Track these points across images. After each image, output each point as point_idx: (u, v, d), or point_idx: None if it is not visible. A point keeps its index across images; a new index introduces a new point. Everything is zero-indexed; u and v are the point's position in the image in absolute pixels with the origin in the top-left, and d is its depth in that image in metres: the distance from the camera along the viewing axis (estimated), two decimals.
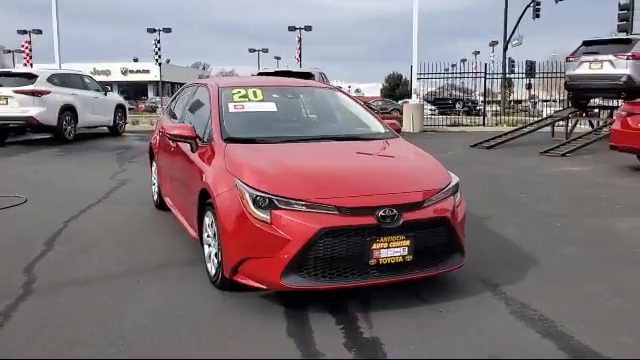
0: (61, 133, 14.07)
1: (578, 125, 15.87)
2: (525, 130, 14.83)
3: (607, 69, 13.62)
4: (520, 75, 22.32)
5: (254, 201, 3.67)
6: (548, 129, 15.60)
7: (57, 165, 10.93)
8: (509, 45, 39.01)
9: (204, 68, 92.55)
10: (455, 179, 4.22)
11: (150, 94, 62.94)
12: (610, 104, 16.28)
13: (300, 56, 45.86)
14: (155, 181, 6.71)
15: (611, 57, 13.56)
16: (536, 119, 18.13)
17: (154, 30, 47.68)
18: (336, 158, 4.36)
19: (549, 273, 4.56)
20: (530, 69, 23.86)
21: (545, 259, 4.89)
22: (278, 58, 77.72)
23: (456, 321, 3.64)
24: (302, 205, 3.62)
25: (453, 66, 29.81)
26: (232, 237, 3.77)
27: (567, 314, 3.71)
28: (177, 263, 4.75)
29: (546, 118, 16.35)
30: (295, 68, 18.41)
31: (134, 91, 61.07)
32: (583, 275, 4.55)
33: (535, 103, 35.32)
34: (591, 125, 16.22)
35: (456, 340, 3.37)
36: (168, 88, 60.41)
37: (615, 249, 5.26)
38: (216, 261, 4.06)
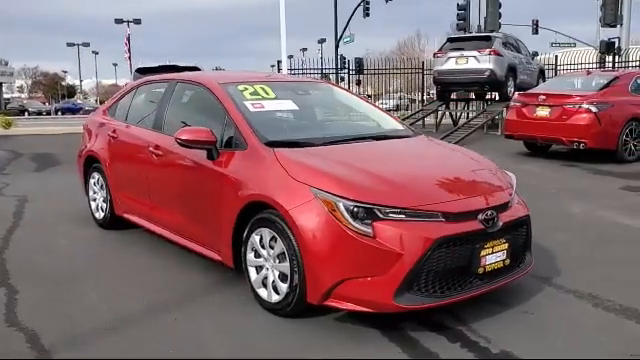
0: None
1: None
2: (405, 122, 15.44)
3: (472, 64, 14.69)
4: (379, 71, 22.93)
5: (351, 213, 3.19)
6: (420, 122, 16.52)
7: None
8: (341, 42, 40.58)
9: (6, 64, 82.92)
10: (513, 177, 4.10)
11: None
12: (466, 97, 17.69)
13: (130, 51, 43.07)
14: (98, 196, 5.67)
15: (475, 53, 14.64)
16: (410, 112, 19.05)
17: None
18: (402, 159, 3.97)
19: (570, 260, 4.63)
20: (359, 66, 25.03)
21: (548, 245, 4.95)
22: (96, 53, 72.98)
23: (557, 321, 3.51)
24: (405, 214, 3.22)
25: (279, 62, 30.21)
26: (325, 256, 3.23)
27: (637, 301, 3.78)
28: (200, 291, 4.01)
29: (420, 111, 17.23)
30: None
31: None
32: (603, 259, 4.71)
33: None
34: (451, 117, 17.45)
35: (575, 340, 3.26)
36: None
37: (589, 232, 5.57)
38: (283, 285, 3.46)
